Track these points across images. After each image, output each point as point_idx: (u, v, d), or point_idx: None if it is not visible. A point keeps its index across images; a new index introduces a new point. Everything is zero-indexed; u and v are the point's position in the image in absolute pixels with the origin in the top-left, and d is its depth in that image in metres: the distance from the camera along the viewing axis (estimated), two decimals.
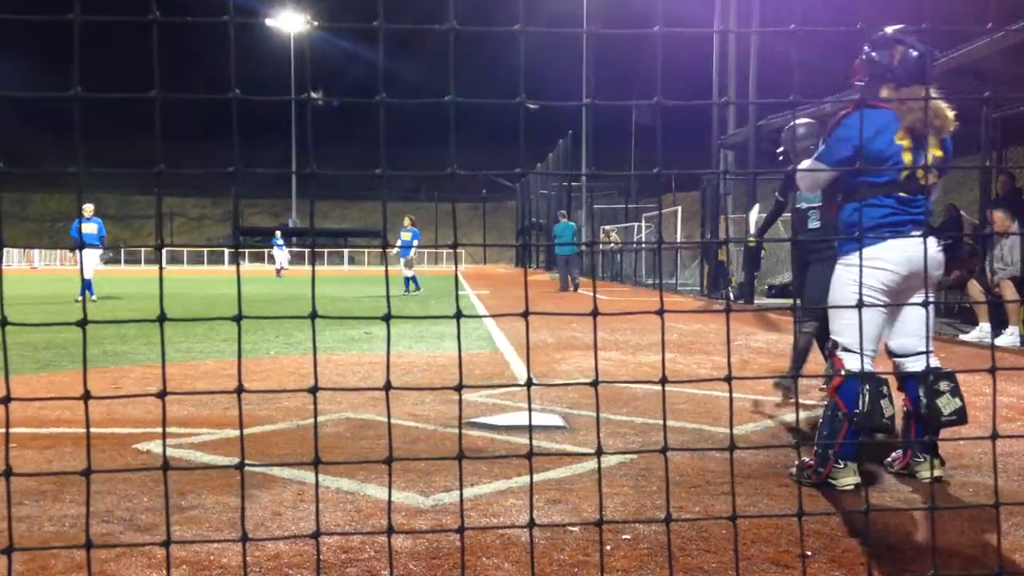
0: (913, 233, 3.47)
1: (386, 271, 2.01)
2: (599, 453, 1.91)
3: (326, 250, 62.49)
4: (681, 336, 10.09)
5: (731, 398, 2.01)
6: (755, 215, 7.33)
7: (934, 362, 3.59)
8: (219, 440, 4.47)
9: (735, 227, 19.24)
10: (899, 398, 3.81)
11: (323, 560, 2.69)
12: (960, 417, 3.53)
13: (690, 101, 2.08)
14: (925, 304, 2.82)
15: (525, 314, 1.89)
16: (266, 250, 45.78)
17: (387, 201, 1.99)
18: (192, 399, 5.40)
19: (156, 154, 1.69)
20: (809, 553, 2.79)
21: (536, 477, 3.64)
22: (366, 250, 58.67)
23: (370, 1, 1.71)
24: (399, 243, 19.35)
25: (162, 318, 1.81)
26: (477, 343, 9.13)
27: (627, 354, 8.41)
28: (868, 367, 3.46)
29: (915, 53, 3.49)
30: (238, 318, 1.84)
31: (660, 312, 1.94)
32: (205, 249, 61.52)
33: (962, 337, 9.49)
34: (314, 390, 1.82)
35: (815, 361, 6.13)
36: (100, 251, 17.27)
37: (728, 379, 1.92)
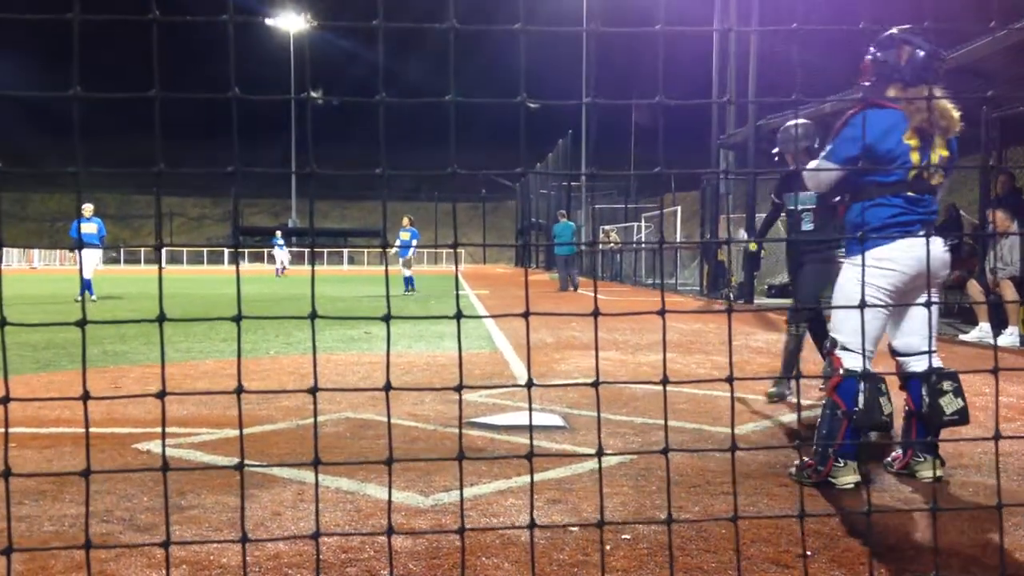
0: (921, 233, 3.47)
1: (386, 271, 2.01)
2: (600, 454, 1.91)
3: (326, 250, 62.52)
4: (681, 336, 10.08)
5: (732, 398, 2.01)
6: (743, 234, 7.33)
7: (937, 362, 3.59)
8: (219, 440, 4.47)
9: (735, 227, 19.23)
10: (900, 398, 3.81)
11: (323, 560, 2.69)
12: (962, 417, 3.53)
13: (690, 101, 2.07)
14: (928, 304, 2.82)
15: (526, 314, 1.89)
16: (266, 250, 45.80)
17: (387, 201, 1.99)
18: (192, 399, 5.40)
19: (156, 154, 1.69)
20: (809, 553, 2.79)
21: (536, 477, 3.64)
22: (366, 250, 58.67)
23: (370, 0, 1.71)
24: (398, 243, 19.35)
25: (161, 318, 1.81)
26: (477, 343, 9.13)
27: (627, 354, 8.40)
28: (866, 366, 3.46)
29: (922, 53, 3.50)
30: (237, 318, 1.84)
31: (661, 312, 1.94)
32: (205, 249, 61.53)
33: (962, 337, 9.49)
34: (314, 390, 1.81)
35: (813, 361, 6.13)
36: (100, 251, 17.29)
37: (730, 379, 1.91)
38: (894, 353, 3.76)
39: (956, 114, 3.56)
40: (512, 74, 1.91)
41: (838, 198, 3.76)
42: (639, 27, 1.96)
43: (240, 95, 1.77)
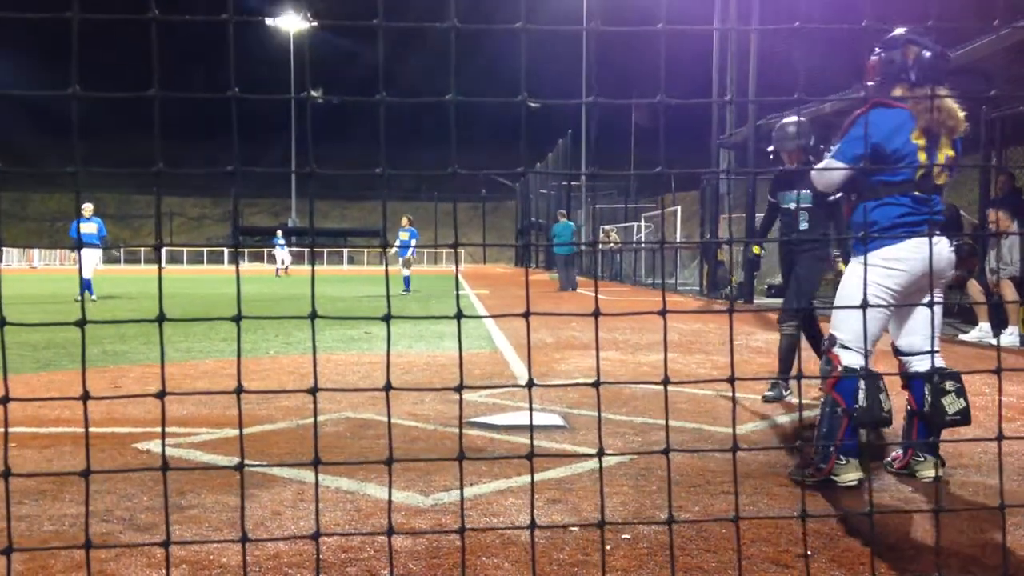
0: (927, 232, 3.47)
1: (386, 271, 2.00)
2: (600, 454, 1.90)
3: (326, 250, 62.50)
4: (681, 336, 10.08)
5: (734, 399, 2.00)
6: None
7: (940, 362, 3.59)
8: (219, 440, 4.47)
9: (735, 227, 19.23)
10: (900, 398, 3.81)
11: (323, 560, 2.69)
12: (964, 418, 3.53)
13: (691, 100, 2.07)
14: (931, 304, 2.82)
15: (526, 314, 1.89)
16: (266, 250, 45.78)
17: (387, 201, 1.99)
18: (192, 398, 5.39)
19: (155, 154, 1.69)
20: (809, 552, 2.79)
21: (536, 477, 3.64)
22: (366, 250, 58.66)
23: (370, 0, 1.71)
24: (397, 243, 19.36)
25: (161, 318, 1.81)
26: (477, 343, 9.13)
27: (627, 354, 8.40)
28: (866, 364, 3.47)
29: (928, 53, 3.50)
30: (237, 318, 1.84)
31: (663, 312, 1.94)
32: (205, 249, 61.49)
33: (962, 337, 9.49)
34: (314, 390, 1.81)
35: (814, 360, 6.12)
36: (100, 251, 17.28)
37: (731, 380, 1.91)
38: (897, 353, 3.76)
39: (962, 114, 3.57)
40: (512, 73, 1.91)
41: (835, 196, 3.76)
42: (639, 26, 1.96)
43: (240, 95, 1.77)
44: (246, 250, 55.90)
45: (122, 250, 58.59)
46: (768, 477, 3.77)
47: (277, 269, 34.07)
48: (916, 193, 3.51)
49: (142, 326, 9.82)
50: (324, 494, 3.43)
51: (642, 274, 26.64)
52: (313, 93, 1.90)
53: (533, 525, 1.89)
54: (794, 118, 5.75)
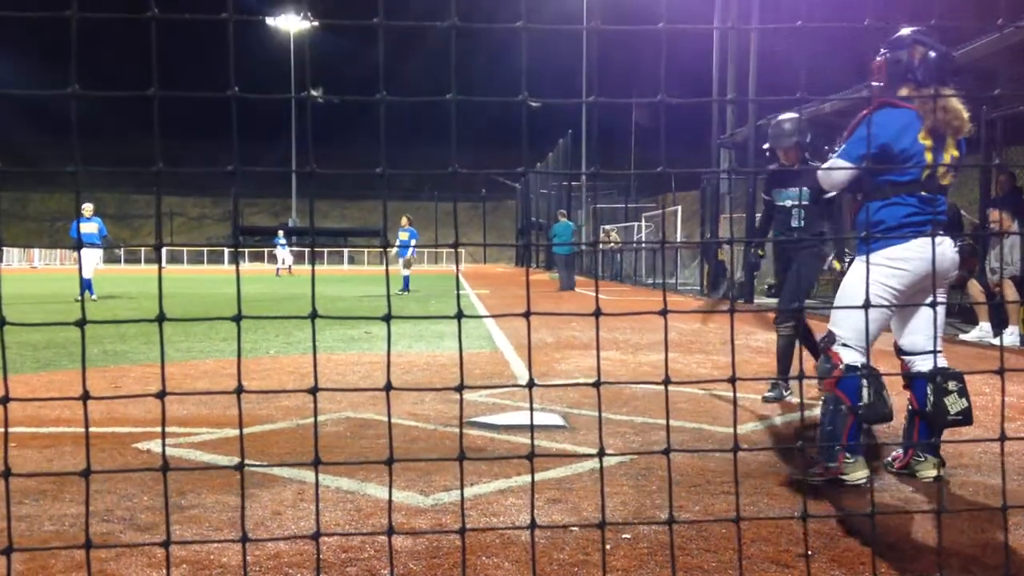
0: (931, 232, 3.47)
1: (386, 270, 2.00)
2: (601, 454, 1.90)
3: (326, 249, 62.47)
4: (680, 335, 10.08)
5: (735, 399, 2.00)
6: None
7: (942, 362, 3.59)
8: (219, 439, 4.47)
9: (736, 226, 19.21)
10: (902, 397, 3.81)
11: (323, 559, 2.69)
12: (966, 418, 3.53)
13: (692, 99, 2.07)
14: (933, 304, 2.82)
15: (527, 314, 1.89)
16: (267, 249, 45.77)
17: (388, 200, 1.98)
18: (192, 398, 5.39)
19: (155, 153, 1.68)
20: (809, 552, 2.78)
21: (536, 476, 3.63)
22: (366, 250, 58.65)
23: None
24: (397, 243, 19.38)
25: (161, 318, 1.80)
26: (477, 342, 9.13)
27: (627, 353, 8.40)
28: (867, 361, 3.47)
29: (934, 54, 3.51)
30: (237, 318, 1.84)
31: (663, 312, 1.94)
32: (205, 248, 61.48)
33: (962, 337, 9.48)
34: (314, 390, 1.81)
35: (811, 360, 6.11)
36: (100, 251, 17.28)
37: (732, 380, 1.91)
38: (900, 352, 3.76)
39: (967, 115, 3.57)
40: (512, 74, 1.91)
41: (830, 194, 3.77)
42: (639, 26, 1.95)
43: (240, 94, 1.76)
44: (246, 250, 55.89)
45: (122, 250, 58.59)
46: (768, 477, 3.76)
47: (278, 269, 34.09)
48: (922, 193, 3.51)
49: (142, 326, 9.81)
50: (324, 494, 3.43)
51: (642, 274, 26.64)
52: (313, 92, 1.90)
53: (533, 525, 1.89)
54: (790, 115, 5.73)
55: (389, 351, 1.87)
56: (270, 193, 75.39)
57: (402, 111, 59.28)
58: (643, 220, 31.90)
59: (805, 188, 5.61)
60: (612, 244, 30.38)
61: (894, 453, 3.92)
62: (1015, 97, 11.16)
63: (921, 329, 3.67)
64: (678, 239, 28.04)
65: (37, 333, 8.98)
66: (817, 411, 3.93)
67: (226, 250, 55.28)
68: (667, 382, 1.92)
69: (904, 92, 3.55)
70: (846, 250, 6.96)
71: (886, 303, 3.47)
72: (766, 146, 5.92)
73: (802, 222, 5.68)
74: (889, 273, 3.45)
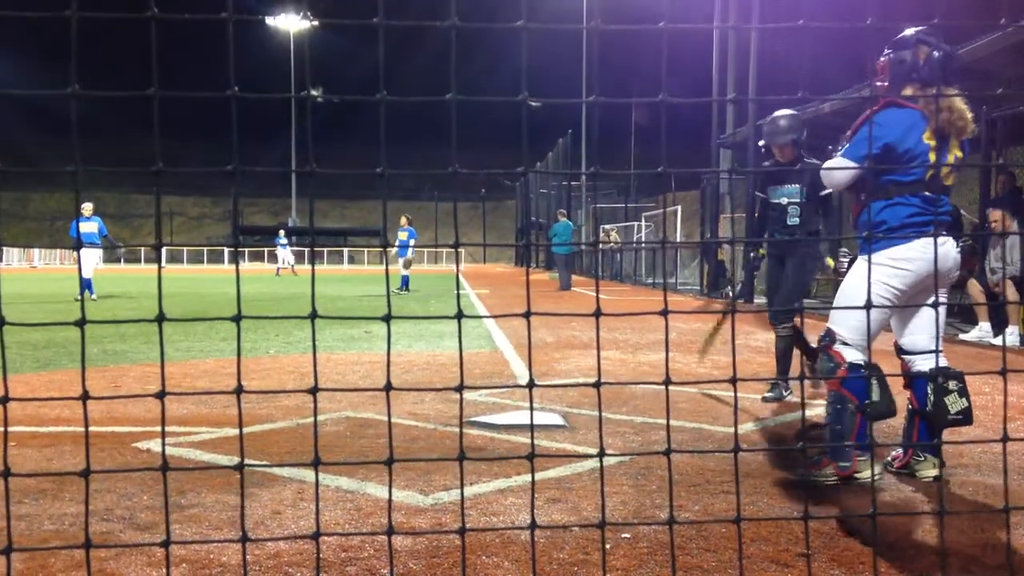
0: (934, 232, 3.48)
1: (386, 270, 2.00)
2: (601, 454, 1.90)
3: (326, 249, 62.47)
4: (680, 335, 10.08)
5: (735, 399, 2.00)
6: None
7: (943, 362, 3.60)
8: (219, 439, 4.47)
9: (736, 226, 19.23)
10: (903, 397, 3.81)
11: (323, 559, 2.69)
12: (966, 417, 3.53)
13: (692, 99, 2.07)
14: (935, 305, 2.83)
15: (527, 314, 1.89)
16: (267, 249, 45.78)
17: (388, 200, 1.98)
18: (192, 398, 5.39)
19: (155, 153, 1.68)
20: (809, 552, 2.78)
21: (536, 476, 3.64)
22: (366, 249, 58.67)
23: None
24: (397, 243, 19.40)
25: (161, 317, 1.80)
26: (477, 342, 9.13)
27: (627, 353, 8.40)
28: (868, 359, 3.47)
29: (939, 54, 3.51)
30: (237, 318, 1.84)
31: (664, 312, 1.94)
32: (205, 248, 61.49)
33: (962, 336, 9.49)
34: (314, 390, 1.81)
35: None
36: (100, 250, 17.28)
37: (733, 380, 1.91)
38: (900, 352, 3.76)
39: (970, 115, 3.58)
40: (513, 73, 1.91)
41: (825, 192, 3.77)
42: (640, 25, 1.95)
43: (240, 94, 1.76)
44: (246, 250, 55.90)
45: (122, 249, 58.59)
46: (768, 477, 3.77)
47: (278, 268, 34.09)
48: (926, 193, 3.52)
49: (142, 325, 9.81)
50: (324, 493, 3.43)
51: (642, 274, 26.64)
52: (313, 92, 1.90)
53: (533, 525, 1.89)
54: (786, 112, 5.71)
55: (389, 351, 1.87)
56: (270, 193, 75.40)
57: (402, 111, 59.28)
58: (643, 220, 31.89)
59: (799, 186, 5.61)
60: (612, 244, 30.38)
61: (894, 453, 3.92)
62: (1015, 97, 11.16)
63: (923, 329, 3.67)
64: (678, 239, 28.05)
65: (37, 333, 8.98)
66: (817, 411, 3.94)
67: (226, 250, 55.29)
68: (667, 382, 1.92)
69: (908, 92, 3.55)
70: (844, 249, 6.95)
71: (888, 303, 3.47)
72: (762, 143, 5.90)
73: (797, 219, 5.67)
74: (891, 273, 3.46)
